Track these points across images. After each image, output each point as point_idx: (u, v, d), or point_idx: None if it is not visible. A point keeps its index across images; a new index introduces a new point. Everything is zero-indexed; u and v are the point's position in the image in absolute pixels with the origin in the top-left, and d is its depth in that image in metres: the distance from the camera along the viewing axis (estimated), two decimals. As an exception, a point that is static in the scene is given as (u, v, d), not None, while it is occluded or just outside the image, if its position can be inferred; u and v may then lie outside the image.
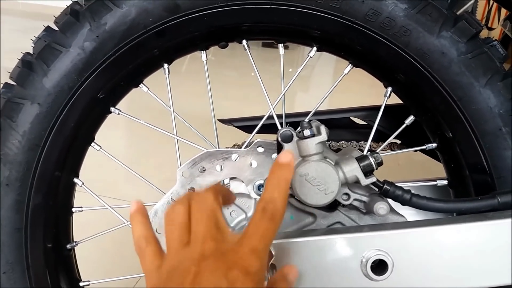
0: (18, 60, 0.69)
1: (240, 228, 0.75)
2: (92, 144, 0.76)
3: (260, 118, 0.76)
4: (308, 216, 0.70)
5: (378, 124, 0.74)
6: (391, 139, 0.76)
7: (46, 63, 0.65)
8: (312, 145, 0.60)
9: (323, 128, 0.61)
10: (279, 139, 0.63)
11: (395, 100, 0.75)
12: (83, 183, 0.76)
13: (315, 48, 0.71)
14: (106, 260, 1.39)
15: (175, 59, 0.73)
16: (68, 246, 0.78)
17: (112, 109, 0.74)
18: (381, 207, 0.61)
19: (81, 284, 0.79)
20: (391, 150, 0.86)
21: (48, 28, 0.68)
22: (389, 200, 0.63)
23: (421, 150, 0.78)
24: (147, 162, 1.94)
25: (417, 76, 0.65)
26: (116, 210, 0.78)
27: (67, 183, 0.74)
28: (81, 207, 0.78)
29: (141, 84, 0.74)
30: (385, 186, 0.61)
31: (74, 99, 0.67)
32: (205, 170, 0.69)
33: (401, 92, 0.72)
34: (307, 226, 0.70)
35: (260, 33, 0.71)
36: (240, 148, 0.71)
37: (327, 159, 0.62)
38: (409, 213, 0.74)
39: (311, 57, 0.72)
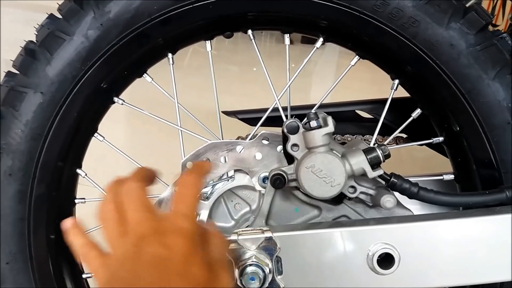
0: (19, 52, 0.68)
1: (244, 221, 0.74)
2: (95, 134, 0.75)
3: (264, 110, 0.75)
4: (313, 209, 0.69)
5: (383, 118, 0.73)
6: (397, 133, 0.75)
7: (49, 51, 0.65)
8: (318, 136, 0.59)
9: (330, 120, 0.60)
10: (285, 131, 0.62)
11: (400, 93, 0.74)
12: (86, 174, 0.76)
13: (321, 39, 0.70)
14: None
15: (179, 48, 0.73)
16: (71, 237, 0.77)
17: (115, 99, 0.73)
18: (388, 200, 0.60)
19: (83, 275, 0.79)
20: (397, 144, 0.85)
21: (51, 16, 0.67)
22: (396, 193, 0.63)
23: (427, 144, 0.77)
24: (151, 154, 1.93)
25: (425, 68, 0.64)
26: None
27: (70, 173, 0.73)
28: (84, 199, 0.78)
29: (144, 74, 0.73)
30: (392, 178, 0.61)
31: (77, 88, 0.66)
32: (209, 162, 0.69)
33: (408, 84, 0.71)
34: (312, 219, 0.69)
35: (266, 23, 0.70)
36: (245, 140, 0.70)
37: (334, 151, 0.61)
38: (415, 208, 0.73)
39: (317, 48, 0.71)
